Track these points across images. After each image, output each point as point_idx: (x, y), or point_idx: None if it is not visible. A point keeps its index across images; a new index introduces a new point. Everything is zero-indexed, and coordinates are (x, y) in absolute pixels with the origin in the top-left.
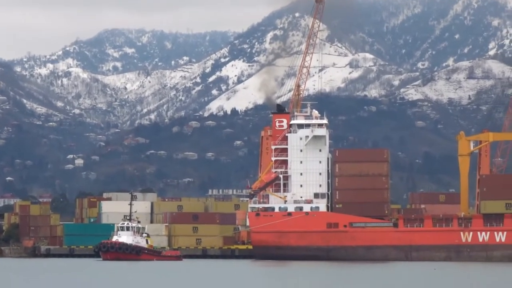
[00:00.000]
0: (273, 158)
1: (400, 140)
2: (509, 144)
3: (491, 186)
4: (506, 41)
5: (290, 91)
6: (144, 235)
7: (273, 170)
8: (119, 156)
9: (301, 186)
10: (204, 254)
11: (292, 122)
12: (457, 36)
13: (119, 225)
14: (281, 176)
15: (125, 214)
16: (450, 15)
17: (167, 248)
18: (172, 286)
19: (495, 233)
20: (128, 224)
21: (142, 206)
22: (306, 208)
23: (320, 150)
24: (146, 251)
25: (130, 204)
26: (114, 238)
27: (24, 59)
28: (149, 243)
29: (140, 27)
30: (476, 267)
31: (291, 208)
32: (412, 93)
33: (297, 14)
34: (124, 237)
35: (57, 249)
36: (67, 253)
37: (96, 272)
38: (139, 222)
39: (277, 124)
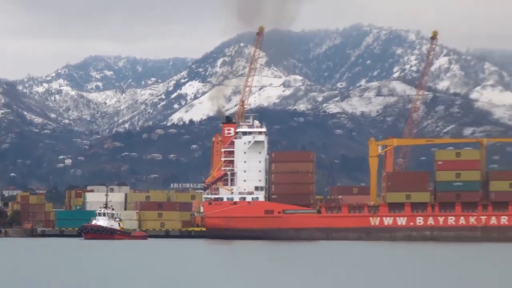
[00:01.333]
0: (223, 159)
1: (322, 145)
2: (409, 148)
3: (394, 181)
4: (407, 66)
5: (236, 105)
6: (117, 219)
7: (222, 168)
8: (100, 157)
9: (244, 181)
10: (167, 235)
11: (238, 130)
12: (368, 62)
13: (98, 211)
14: (228, 173)
15: (104, 203)
16: (363, 45)
17: (137, 230)
18: (139, 259)
19: (397, 218)
20: (104, 211)
21: (118, 196)
22: (248, 198)
23: (259, 152)
24: (118, 232)
25: (106, 195)
26: (93, 222)
27: (25, 80)
28: (121, 225)
29: (117, 54)
30: (382, 245)
31: (236, 198)
32: (332, 107)
33: (242, 44)
34: (101, 221)
35: (51, 231)
36: (58, 234)
37: (79, 248)
38: (113, 209)
39: (225, 131)
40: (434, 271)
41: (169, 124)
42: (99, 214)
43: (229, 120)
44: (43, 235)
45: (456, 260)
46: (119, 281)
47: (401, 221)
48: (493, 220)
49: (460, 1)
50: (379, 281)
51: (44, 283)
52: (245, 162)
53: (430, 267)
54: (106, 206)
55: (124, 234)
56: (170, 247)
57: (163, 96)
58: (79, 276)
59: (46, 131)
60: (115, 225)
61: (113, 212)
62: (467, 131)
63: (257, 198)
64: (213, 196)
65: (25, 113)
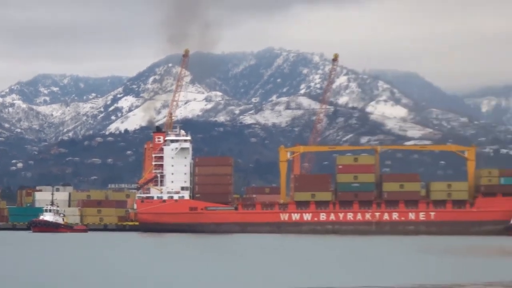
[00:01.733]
0: (153, 163)
1: (239, 151)
2: (313, 154)
3: (301, 182)
4: (312, 84)
5: (164, 117)
6: (62, 215)
7: (153, 171)
8: (47, 161)
9: (172, 182)
10: (105, 228)
11: (166, 138)
12: (278, 80)
13: (45, 208)
14: (158, 175)
15: (50, 201)
16: (274, 65)
17: (79, 224)
18: (79, 247)
19: (304, 214)
20: (50, 207)
21: (62, 195)
22: (176, 197)
23: (185, 158)
24: (62, 226)
25: (52, 194)
26: (41, 217)
27: None
28: (65, 220)
29: (62, 73)
30: (290, 237)
31: (165, 196)
32: (248, 119)
33: (170, 64)
34: (48, 216)
35: (4, 225)
36: (11, 227)
37: (27, 239)
38: (58, 206)
39: (156, 139)
40: (330, 257)
41: (107, 133)
42: (46, 211)
43: (159, 129)
44: None
45: (350, 248)
46: (60, 266)
47: (307, 216)
48: (386, 216)
49: (357, 28)
50: (283, 265)
51: None
52: (172, 166)
53: (328, 255)
54: (52, 204)
55: (67, 227)
56: (106, 238)
57: (102, 109)
58: (25, 261)
59: (1, 138)
60: (59, 220)
61: (58, 208)
62: (363, 139)
63: (183, 196)
64: (145, 195)
65: None
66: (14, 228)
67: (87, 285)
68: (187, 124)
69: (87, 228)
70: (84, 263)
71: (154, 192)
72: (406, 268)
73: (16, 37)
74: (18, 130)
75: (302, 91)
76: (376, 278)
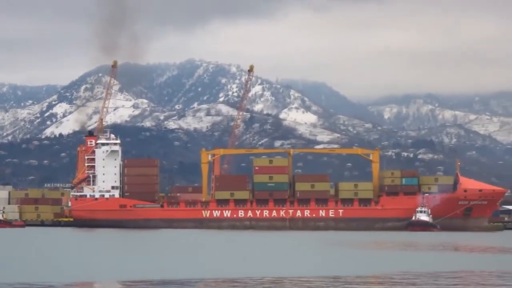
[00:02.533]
0: (86, 164)
1: (164, 153)
2: (232, 156)
3: (221, 182)
4: (230, 93)
5: (96, 122)
6: (1, 211)
7: (86, 172)
8: None
9: (103, 181)
10: (42, 224)
11: (98, 141)
12: (199, 89)
13: None
14: (91, 175)
15: None
16: (195, 75)
17: (17, 220)
18: (15, 240)
19: (224, 211)
20: None
21: (2, 194)
22: (107, 195)
23: (115, 159)
24: (1, 222)
25: None
26: None
27: None
28: (4, 216)
29: (1, 82)
30: (211, 232)
31: (97, 195)
32: (172, 124)
33: (100, 74)
34: None
35: None
36: None
37: None
38: None
39: (88, 142)
40: (244, 250)
41: (43, 137)
42: None
43: (90, 134)
44: None
45: (262, 242)
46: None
47: (227, 213)
48: (298, 213)
49: (270, 41)
50: (203, 256)
51: None
52: (103, 167)
53: (243, 248)
54: None
55: (6, 223)
56: (42, 232)
57: (38, 115)
58: None
59: None
60: None
61: None
62: (277, 143)
63: (113, 195)
64: (78, 193)
65: None
66: None
67: (17, 269)
68: (116, 129)
69: (25, 224)
70: (17, 253)
71: (87, 191)
72: (312, 260)
73: None
74: None
75: (221, 99)
76: (277, 269)
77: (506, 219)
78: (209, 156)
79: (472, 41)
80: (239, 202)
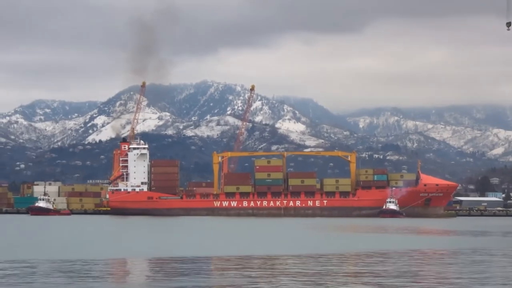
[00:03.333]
0: (120, 164)
1: (183, 156)
2: (237, 158)
3: (229, 179)
4: (236, 107)
5: (128, 131)
6: (52, 202)
7: (120, 171)
8: (42, 163)
9: (134, 178)
10: (85, 212)
11: (130, 146)
12: (211, 104)
13: (39, 197)
14: (124, 173)
15: (43, 192)
16: (208, 93)
17: (65, 209)
18: (61, 225)
19: (231, 202)
20: (43, 197)
21: (54, 188)
22: (137, 189)
23: (144, 160)
24: (52, 210)
25: (45, 187)
26: (37, 204)
27: None
28: (54, 206)
29: (53, 99)
30: (221, 218)
31: (129, 189)
32: (189, 132)
33: (131, 92)
34: (41, 203)
35: (10, 209)
36: (15, 212)
37: (26, 220)
38: (49, 196)
39: (122, 147)
40: (247, 233)
41: (86, 142)
42: (40, 199)
43: (124, 140)
44: (6, 212)
45: (264, 226)
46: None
47: (233, 203)
48: (291, 203)
49: (268, 65)
50: (219, 236)
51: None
52: (134, 166)
53: (247, 231)
54: (45, 194)
55: (56, 211)
56: (84, 219)
57: (82, 125)
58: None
59: (8, 147)
60: (50, 206)
61: (49, 198)
62: (274, 147)
63: (142, 189)
64: (114, 188)
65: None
66: (17, 212)
67: (63, 246)
68: (144, 136)
69: (71, 212)
70: (65, 234)
71: (121, 186)
72: (301, 241)
73: (18, 72)
74: (21, 140)
75: (228, 112)
76: (273, 248)
77: (457, 207)
78: (219, 158)
79: (428, 65)
80: (244, 195)
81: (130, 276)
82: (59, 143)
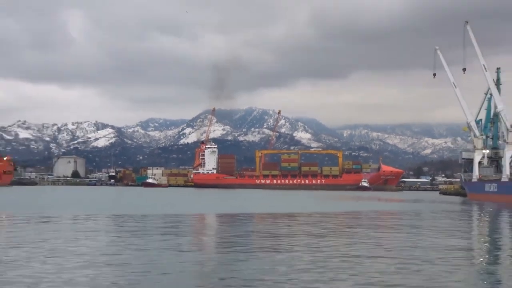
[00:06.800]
0: (200, 158)
1: (237, 152)
2: (270, 154)
3: (265, 166)
4: (269, 123)
5: (204, 137)
6: (156, 180)
7: (200, 160)
8: (153, 156)
9: (208, 165)
10: (178, 186)
11: (206, 146)
12: (254, 121)
13: (150, 176)
14: (202, 162)
15: (152, 173)
16: (253, 114)
17: (164, 183)
18: (162, 194)
19: (266, 180)
20: (152, 176)
21: (159, 171)
22: (210, 172)
23: (214, 155)
24: (156, 184)
25: (152, 171)
26: (147, 181)
27: None
28: (158, 182)
29: (159, 117)
30: (260, 191)
31: (205, 172)
32: (241, 138)
33: (206, 114)
34: (150, 180)
35: (133, 184)
36: (136, 185)
37: (141, 190)
38: (155, 175)
39: (201, 147)
40: (275, 199)
41: (180, 143)
42: (149, 178)
43: (202, 142)
44: (131, 185)
45: (286, 196)
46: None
47: (268, 182)
48: (303, 182)
49: (288, 98)
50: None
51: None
52: (208, 158)
53: (276, 198)
54: (153, 175)
55: (155, 185)
56: (176, 190)
57: (176, 134)
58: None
59: (133, 148)
60: (155, 182)
61: (155, 177)
62: (292, 148)
63: (213, 172)
64: (196, 171)
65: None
66: (137, 185)
67: (155, 204)
68: (214, 140)
69: (168, 185)
70: (160, 197)
71: (200, 170)
72: (311, 204)
73: (138, 101)
74: (140, 142)
75: (265, 126)
76: (292, 208)
77: (403, 185)
78: (259, 154)
79: (386, 98)
80: (274, 176)
81: (209, 226)
82: (163, 144)
